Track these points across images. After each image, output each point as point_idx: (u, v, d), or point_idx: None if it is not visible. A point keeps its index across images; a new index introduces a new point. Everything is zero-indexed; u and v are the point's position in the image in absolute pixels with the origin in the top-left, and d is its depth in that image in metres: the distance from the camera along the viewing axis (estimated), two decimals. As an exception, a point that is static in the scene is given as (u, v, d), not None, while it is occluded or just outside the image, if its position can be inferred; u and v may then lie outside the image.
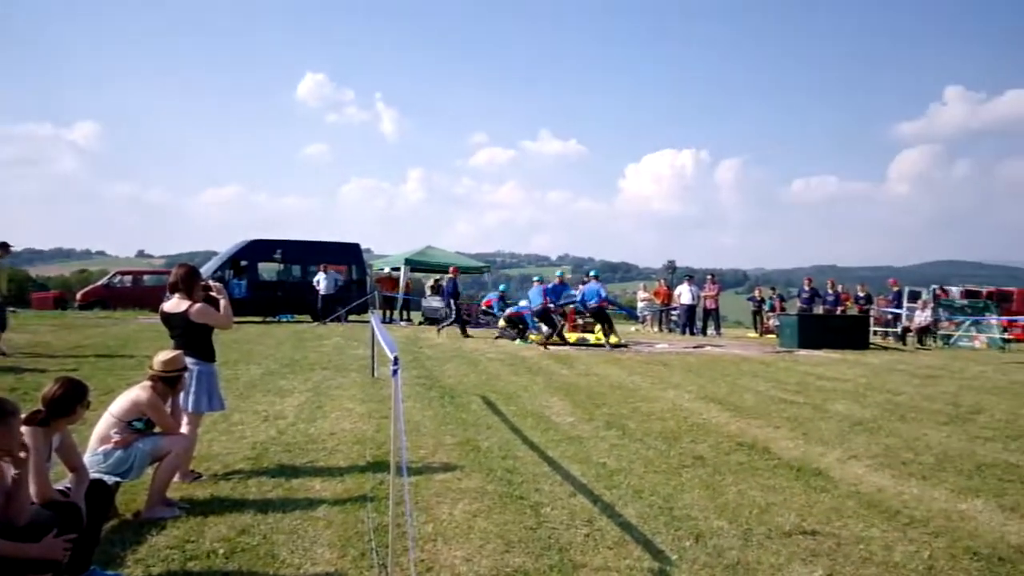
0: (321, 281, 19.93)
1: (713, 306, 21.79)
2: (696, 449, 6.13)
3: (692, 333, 20.78)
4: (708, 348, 16.23)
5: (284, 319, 19.99)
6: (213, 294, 5.06)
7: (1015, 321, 22.79)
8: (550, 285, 15.79)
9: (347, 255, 22.61)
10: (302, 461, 5.45)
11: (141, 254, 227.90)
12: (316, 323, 18.94)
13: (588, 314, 16.44)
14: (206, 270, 19.44)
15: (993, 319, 20.57)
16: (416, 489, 4.73)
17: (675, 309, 23.13)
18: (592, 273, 17.43)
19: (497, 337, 16.39)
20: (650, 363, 12.56)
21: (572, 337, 16.25)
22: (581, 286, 17.53)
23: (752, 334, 22.87)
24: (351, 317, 21.01)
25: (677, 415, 7.67)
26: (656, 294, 24.77)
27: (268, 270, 21.87)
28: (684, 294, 21.57)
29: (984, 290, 27.56)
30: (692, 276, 23.27)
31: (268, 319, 20.58)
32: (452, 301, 17.67)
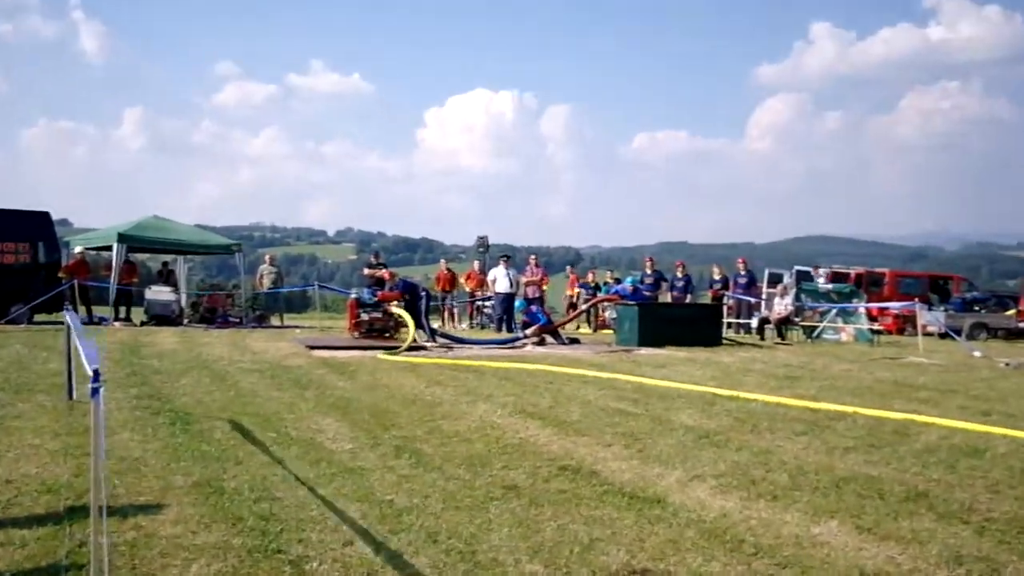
0: None
1: (537, 294, 22.09)
2: (509, 477, 6.39)
3: (510, 329, 21.14)
4: (530, 348, 16.80)
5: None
6: None
7: (886, 309, 25.16)
8: None
9: (30, 228, 21.00)
10: (-36, 521, 5.13)
11: None
12: None
13: None
14: None
15: (862, 307, 22.73)
16: (133, 549, 4.60)
17: (489, 299, 23.52)
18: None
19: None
20: (456, 370, 12.83)
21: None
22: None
23: (585, 329, 23.89)
24: (38, 317, 19.71)
25: (487, 435, 7.93)
26: (468, 278, 25.15)
27: None
28: (500, 280, 21.88)
29: (852, 272, 30.21)
30: (509, 256, 23.53)
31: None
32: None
